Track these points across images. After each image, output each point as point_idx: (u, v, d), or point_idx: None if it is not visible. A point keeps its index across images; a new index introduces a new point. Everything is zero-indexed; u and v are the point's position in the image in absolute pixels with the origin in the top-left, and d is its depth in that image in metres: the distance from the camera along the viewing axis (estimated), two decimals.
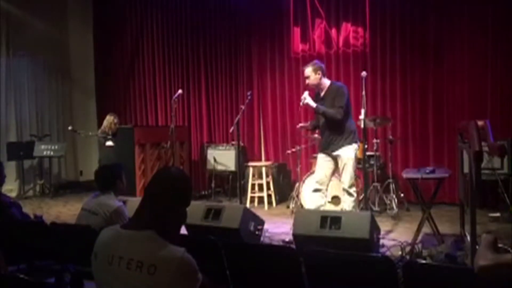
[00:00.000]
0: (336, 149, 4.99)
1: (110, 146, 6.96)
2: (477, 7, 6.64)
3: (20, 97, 9.00)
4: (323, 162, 5.12)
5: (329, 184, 5.24)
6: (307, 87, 5.30)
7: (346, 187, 5.00)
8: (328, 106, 4.97)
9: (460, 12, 6.75)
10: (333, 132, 5.01)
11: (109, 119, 7.17)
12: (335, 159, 5.05)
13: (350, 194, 5.00)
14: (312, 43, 8.05)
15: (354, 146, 5.02)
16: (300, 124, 5.54)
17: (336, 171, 5.18)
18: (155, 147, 7.48)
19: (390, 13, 7.30)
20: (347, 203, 5.06)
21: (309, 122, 5.59)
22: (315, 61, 5.26)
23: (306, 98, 5.01)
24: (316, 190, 5.11)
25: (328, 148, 5.06)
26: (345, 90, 5.02)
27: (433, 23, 6.98)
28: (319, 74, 5.03)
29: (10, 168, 8.52)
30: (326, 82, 5.10)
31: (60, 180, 9.54)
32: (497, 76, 6.51)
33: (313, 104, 5.00)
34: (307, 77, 5.08)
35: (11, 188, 8.52)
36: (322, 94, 5.12)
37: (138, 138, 7.19)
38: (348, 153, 4.97)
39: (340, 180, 5.23)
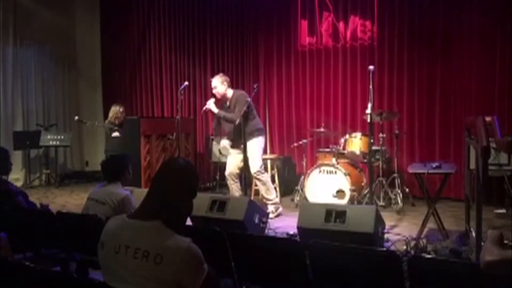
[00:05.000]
0: (245, 142, 5.72)
1: (116, 137, 6.98)
2: (486, 1, 6.57)
3: (27, 86, 9.02)
4: (234, 156, 5.95)
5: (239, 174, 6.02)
6: (214, 96, 5.95)
7: (253, 171, 5.79)
8: (232, 112, 5.76)
9: (469, 6, 6.69)
10: (240, 130, 5.66)
11: (114, 109, 7.18)
12: (244, 152, 5.70)
13: (259, 179, 5.83)
14: (319, 36, 8.01)
15: (260, 139, 5.89)
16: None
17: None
18: (160, 139, 7.48)
19: (398, 6, 7.25)
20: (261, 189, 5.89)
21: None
22: (221, 74, 6.04)
23: (210, 104, 5.78)
24: (229, 181, 5.97)
25: (238, 143, 5.82)
26: (245, 97, 5.76)
27: (442, 17, 6.92)
28: (225, 85, 5.81)
29: (17, 157, 8.57)
30: (230, 92, 5.86)
31: (65, 170, 9.59)
32: (505, 72, 6.45)
33: (215, 110, 5.78)
34: (215, 87, 5.81)
35: (17, 177, 8.57)
36: (227, 103, 5.86)
37: (144, 129, 7.20)
38: (254, 145, 5.82)
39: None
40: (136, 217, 1.89)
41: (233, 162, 5.99)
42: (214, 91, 5.85)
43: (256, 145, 5.86)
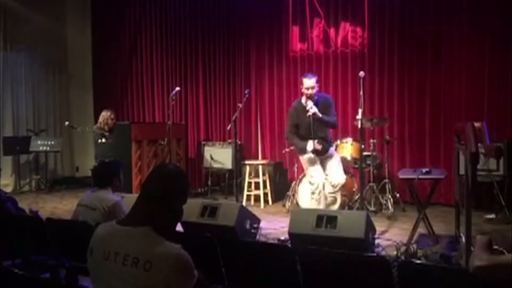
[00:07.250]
0: (327, 151, 5.46)
1: (104, 143, 6.95)
2: (476, 8, 6.64)
3: (17, 91, 8.96)
4: (319, 164, 5.43)
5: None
6: (307, 97, 5.28)
7: (341, 182, 5.46)
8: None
9: (459, 13, 6.74)
10: (324, 137, 5.43)
11: (104, 115, 7.15)
12: (323, 161, 5.46)
13: (337, 192, 5.57)
14: (310, 42, 8.04)
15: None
16: None
17: None
18: (152, 144, 7.46)
19: (389, 13, 7.30)
20: (338, 202, 5.70)
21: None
22: (311, 73, 5.60)
23: (313, 107, 5.16)
24: (313, 193, 5.37)
25: (324, 152, 5.42)
26: (332, 100, 5.61)
27: (432, 24, 6.98)
28: (318, 86, 5.36)
29: (6, 163, 8.51)
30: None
31: (56, 175, 9.52)
32: (494, 78, 6.52)
33: (319, 113, 5.20)
34: (312, 88, 5.21)
35: (6, 183, 8.50)
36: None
37: (135, 134, 7.18)
38: (336, 153, 5.73)
39: (328, 179, 5.46)
40: (125, 223, 1.87)
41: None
42: (309, 92, 5.21)
43: (337, 154, 5.80)
